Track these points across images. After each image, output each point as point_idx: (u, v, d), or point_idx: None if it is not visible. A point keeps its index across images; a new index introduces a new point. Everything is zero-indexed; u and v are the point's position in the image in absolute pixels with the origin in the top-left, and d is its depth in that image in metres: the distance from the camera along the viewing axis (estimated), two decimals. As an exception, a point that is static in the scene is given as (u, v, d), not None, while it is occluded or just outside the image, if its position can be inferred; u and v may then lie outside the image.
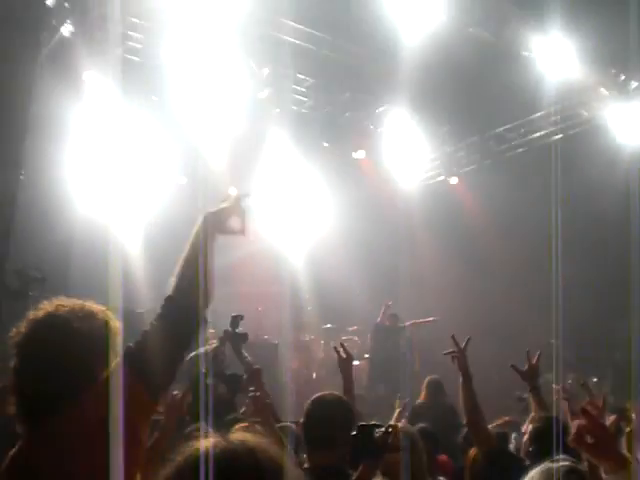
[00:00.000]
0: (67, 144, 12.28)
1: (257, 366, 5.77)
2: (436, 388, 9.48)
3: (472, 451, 5.25)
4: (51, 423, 2.29)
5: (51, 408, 2.29)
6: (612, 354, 14.54)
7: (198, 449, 1.55)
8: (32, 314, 2.51)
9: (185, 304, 2.46)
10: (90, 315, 2.50)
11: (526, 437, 4.90)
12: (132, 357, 2.36)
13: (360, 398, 7.95)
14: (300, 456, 4.19)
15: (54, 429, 2.28)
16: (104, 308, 2.56)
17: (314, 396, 4.10)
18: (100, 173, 13.08)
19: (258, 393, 4.75)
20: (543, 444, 4.32)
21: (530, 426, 4.93)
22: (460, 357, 5.11)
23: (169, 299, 2.50)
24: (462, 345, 5.18)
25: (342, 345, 5.30)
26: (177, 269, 2.57)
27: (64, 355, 2.37)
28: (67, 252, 12.32)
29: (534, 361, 5.38)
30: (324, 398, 4.08)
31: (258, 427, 4.91)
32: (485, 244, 16.05)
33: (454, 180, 18.13)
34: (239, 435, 1.59)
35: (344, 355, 5.24)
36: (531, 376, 5.40)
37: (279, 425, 5.18)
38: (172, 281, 2.56)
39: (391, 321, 14.85)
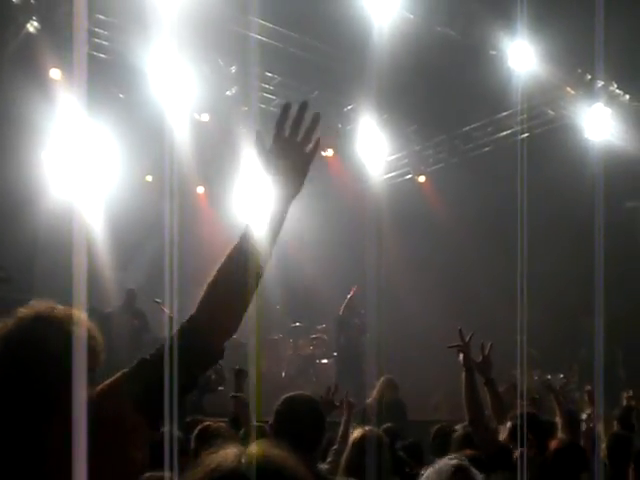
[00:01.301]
0: (32, 141, 12.15)
1: (239, 367, 5.75)
2: (390, 386, 9.55)
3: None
4: None
5: None
6: (578, 350, 14.70)
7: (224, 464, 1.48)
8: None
9: (208, 330, 2.23)
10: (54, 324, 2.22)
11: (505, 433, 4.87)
12: (132, 386, 2.15)
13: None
14: None
15: None
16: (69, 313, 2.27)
17: (284, 396, 4.09)
18: (66, 170, 12.95)
19: (240, 394, 4.76)
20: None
21: (509, 423, 4.89)
22: (465, 351, 5.05)
23: (191, 321, 2.26)
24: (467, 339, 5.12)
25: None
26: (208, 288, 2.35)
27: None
28: (32, 251, 12.20)
29: (486, 352, 5.30)
30: (294, 398, 4.07)
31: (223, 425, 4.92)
32: (452, 242, 16.14)
33: (422, 178, 18.22)
34: (262, 449, 1.53)
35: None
36: (484, 368, 5.30)
37: (255, 425, 5.19)
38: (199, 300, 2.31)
39: (347, 312, 14.72)
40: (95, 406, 2.09)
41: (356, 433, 4.85)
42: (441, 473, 3.03)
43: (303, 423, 3.85)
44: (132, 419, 2.16)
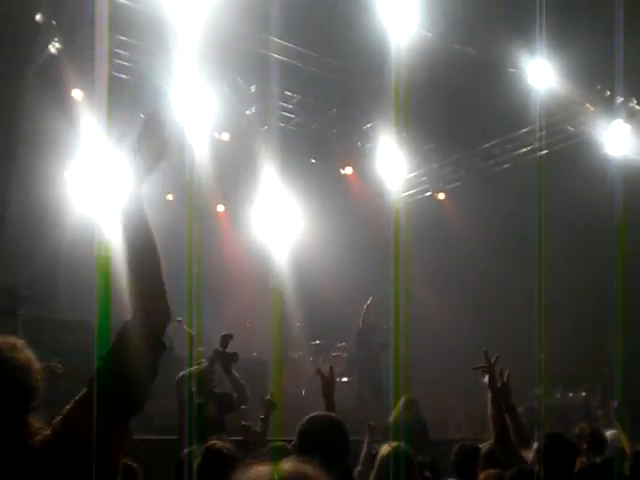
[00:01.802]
0: (55, 160, 12.27)
1: (269, 397, 5.73)
2: (411, 405, 9.49)
3: (483, 475, 5.13)
4: None
5: None
6: (601, 369, 14.56)
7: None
8: None
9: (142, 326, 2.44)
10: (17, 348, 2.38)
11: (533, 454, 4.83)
12: (103, 385, 2.30)
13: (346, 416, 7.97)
14: None
15: None
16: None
17: (308, 416, 4.08)
18: (88, 189, 13.06)
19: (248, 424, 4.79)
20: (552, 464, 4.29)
21: (536, 443, 4.86)
22: (491, 372, 5.04)
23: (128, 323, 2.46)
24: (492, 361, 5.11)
25: (330, 368, 5.25)
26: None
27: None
28: (54, 268, 12.29)
29: (505, 379, 5.27)
30: (318, 418, 4.06)
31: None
32: (473, 259, 16.09)
33: (441, 196, 18.21)
34: (293, 465, 1.55)
35: (327, 376, 5.18)
36: (504, 394, 5.27)
37: (276, 445, 5.18)
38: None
39: (368, 328, 14.66)
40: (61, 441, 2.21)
41: (384, 449, 4.81)
42: None
43: (327, 443, 3.83)
44: (116, 428, 2.27)
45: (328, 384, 5.14)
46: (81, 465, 2.18)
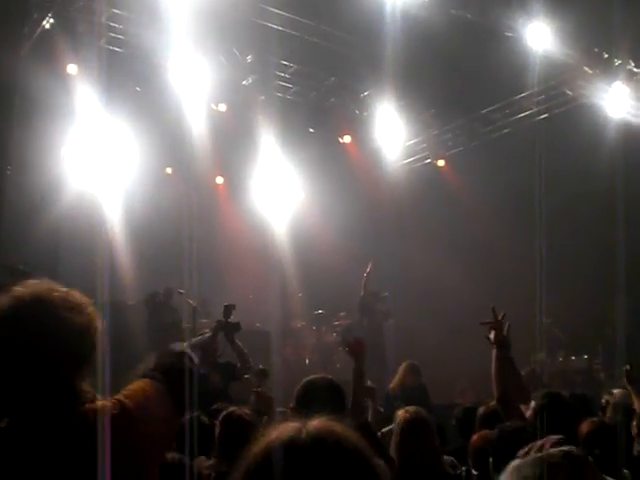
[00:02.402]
0: (52, 136, 12.24)
1: (262, 367, 5.76)
2: (412, 371, 9.55)
3: (476, 436, 5.14)
4: None
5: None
6: (602, 331, 14.63)
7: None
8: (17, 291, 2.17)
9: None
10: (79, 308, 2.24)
11: (530, 412, 4.83)
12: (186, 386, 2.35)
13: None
14: None
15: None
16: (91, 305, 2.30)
17: (304, 380, 4.12)
18: (85, 165, 13.05)
19: (260, 389, 4.81)
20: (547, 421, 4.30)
21: (533, 402, 4.85)
22: (497, 327, 5.03)
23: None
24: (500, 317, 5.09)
25: (358, 345, 5.20)
26: None
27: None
28: (55, 245, 12.31)
29: (505, 332, 5.23)
30: (313, 381, 4.09)
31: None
32: (474, 225, 16.08)
33: (441, 162, 18.17)
34: (321, 422, 1.54)
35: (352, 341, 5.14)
36: (504, 346, 5.24)
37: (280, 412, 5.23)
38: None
39: (369, 296, 14.69)
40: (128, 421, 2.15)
41: (401, 414, 4.80)
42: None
43: (324, 404, 3.86)
44: (171, 416, 2.26)
45: (355, 346, 5.08)
46: (135, 451, 2.16)
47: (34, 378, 2.08)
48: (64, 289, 2.24)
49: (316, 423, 1.52)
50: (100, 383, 2.24)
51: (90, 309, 2.25)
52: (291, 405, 4.11)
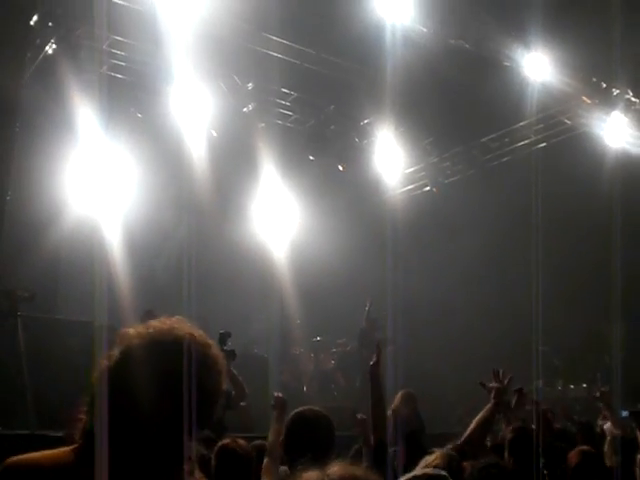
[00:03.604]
0: (53, 161, 12.29)
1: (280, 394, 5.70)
2: (408, 399, 9.49)
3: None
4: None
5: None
6: (601, 358, 14.61)
7: None
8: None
9: None
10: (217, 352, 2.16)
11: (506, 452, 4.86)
12: None
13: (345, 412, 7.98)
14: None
15: None
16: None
17: (293, 412, 4.10)
18: (86, 189, 13.08)
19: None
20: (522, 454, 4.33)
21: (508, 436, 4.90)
22: (501, 390, 5.03)
23: None
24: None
25: (378, 347, 5.22)
26: None
27: None
28: (55, 269, 12.31)
29: (505, 382, 5.27)
30: (302, 413, 4.07)
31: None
32: (471, 253, 16.10)
33: (439, 190, 18.22)
34: (341, 470, 1.53)
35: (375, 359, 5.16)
36: (506, 408, 5.31)
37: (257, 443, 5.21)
38: None
39: (369, 326, 14.73)
40: None
41: (434, 458, 4.77)
42: None
43: (313, 437, 3.86)
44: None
45: (374, 366, 5.12)
46: None
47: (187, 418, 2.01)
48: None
49: (337, 470, 1.51)
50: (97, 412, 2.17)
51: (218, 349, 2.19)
52: (281, 439, 4.09)
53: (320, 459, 3.75)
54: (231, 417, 8.15)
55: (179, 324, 2.11)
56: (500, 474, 3.76)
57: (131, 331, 2.06)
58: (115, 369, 1.99)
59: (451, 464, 3.92)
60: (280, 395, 5.61)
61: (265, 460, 4.89)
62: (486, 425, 4.90)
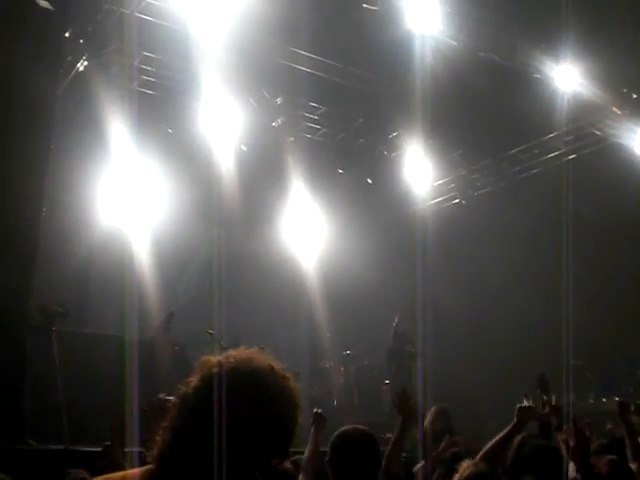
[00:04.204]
0: (85, 175, 12.43)
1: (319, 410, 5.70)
2: (441, 415, 9.41)
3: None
4: None
5: None
6: (634, 372, 14.46)
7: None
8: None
9: None
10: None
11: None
12: None
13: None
14: None
15: None
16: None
17: (338, 430, 4.08)
18: (117, 203, 13.20)
19: None
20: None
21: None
22: (523, 410, 5.00)
23: None
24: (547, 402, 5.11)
25: (403, 391, 5.25)
26: None
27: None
28: (85, 283, 12.42)
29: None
30: (348, 432, 4.06)
31: None
32: (500, 266, 16.02)
33: (469, 202, 18.16)
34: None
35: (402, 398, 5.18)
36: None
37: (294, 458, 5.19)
38: None
39: (397, 340, 14.68)
40: None
41: (465, 469, 4.75)
42: None
43: (360, 457, 3.86)
44: None
45: (402, 403, 5.13)
46: None
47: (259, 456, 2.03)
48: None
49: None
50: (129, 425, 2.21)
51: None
52: (327, 457, 4.06)
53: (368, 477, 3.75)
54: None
55: (258, 354, 2.13)
56: None
57: (212, 359, 2.07)
58: (195, 396, 2.01)
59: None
60: (319, 411, 5.60)
61: (300, 476, 4.90)
62: (504, 443, 4.84)
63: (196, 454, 1.95)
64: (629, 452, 5.64)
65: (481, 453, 4.76)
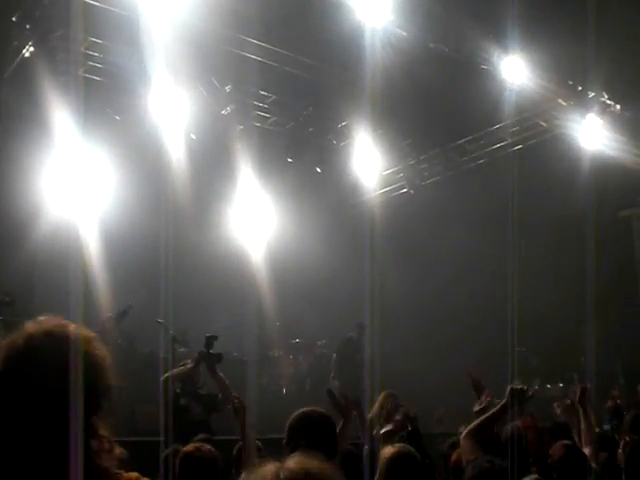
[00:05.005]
0: (31, 164, 12.23)
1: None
2: (389, 400, 9.50)
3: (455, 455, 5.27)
4: None
5: None
6: (577, 359, 14.74)
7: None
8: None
9: None
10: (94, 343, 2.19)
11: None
12: None
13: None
14: None
15: None
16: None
17: (296, 412, 4.09)
18: (63, 192, 13.02)
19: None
20: None
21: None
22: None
23: None
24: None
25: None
26: None
27: None
28: (31, 273, 12.25)
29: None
30: (306, 413, 4.07)
31: None
32: (449, 253, 16.19)
33: (417, 192, 18.31)
34: (300, 461, 1.51)
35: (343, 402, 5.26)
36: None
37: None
38: None
39: (358, 332, 14.75)
40: None
41: (387, 451, 4.78)
42: None
43: (317, 437, 3.86)
44: None
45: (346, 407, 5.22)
46: None
47: (48, 416, 2.01)
48: (75, 324, 2.18)
49: (292, 465, 1.48)
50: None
51: (101, 345, 2.18)
52: (284, 439, 4.07)
53: (326, 458, 3.77)
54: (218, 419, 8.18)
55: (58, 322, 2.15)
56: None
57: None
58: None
59: None
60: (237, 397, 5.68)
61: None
62: (490, 421, 4.88)
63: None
64: (584, 437, 5.77)
65: (467, 429, 4.81)
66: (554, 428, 6.14)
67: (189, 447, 4.80)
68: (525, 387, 5.03)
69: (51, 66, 12.51)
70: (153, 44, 12.15)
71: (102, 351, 2.15)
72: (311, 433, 3.89)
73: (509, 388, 4.94)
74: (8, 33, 10.73)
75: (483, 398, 5.32)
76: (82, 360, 2.07)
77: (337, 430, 4.29)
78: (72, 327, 2.14)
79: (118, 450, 2.12)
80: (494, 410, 4.87)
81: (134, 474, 2.16)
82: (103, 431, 2.11)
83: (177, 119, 14.01)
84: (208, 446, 4.86)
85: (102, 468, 2.04)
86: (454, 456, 5.29)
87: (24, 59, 12.38)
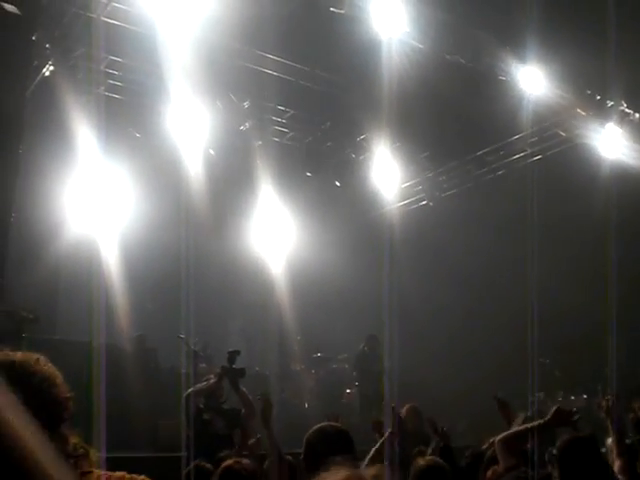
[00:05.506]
0: (53, 182, 12.34)
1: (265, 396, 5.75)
2: (414, 414, 9.45)
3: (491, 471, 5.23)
4: None
5: None
6: (602, 370, 14.61)
7: None
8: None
9: None
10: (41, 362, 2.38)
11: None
12: None
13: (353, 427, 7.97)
14: None
15: None
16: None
17: (314, 427, 4.10)
18: (85, 209, 13.12)
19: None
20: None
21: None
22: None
23: None
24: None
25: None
26: None
27: None
28: (54, 289, 12.33)
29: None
30: (324, 428, 4.08)
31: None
32: (469, 266, 16.14)
33: (436, 204, 18.29)
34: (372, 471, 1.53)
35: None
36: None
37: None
38: None
39: (369, 345, 14.69)
40: None
41: (420, 462, 4.79)
42: None
43: (335, 452, 3.87)
44: None
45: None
46: None
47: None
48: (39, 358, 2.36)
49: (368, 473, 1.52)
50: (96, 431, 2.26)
51: (49, 364, 2.36)
52: (301, 454, 4.07)
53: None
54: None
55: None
56: None
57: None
58: None
59: None
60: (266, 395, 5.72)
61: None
62: (524, 435, 4.82)
63: None
64: (614, 449, 5.68)
65: (501, 435, 4.78)
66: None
67: (229, 461, 4.83)
68: (574, 409, 4.98)
69: (72, 84, 12.64)
70: (171, 61, 12.25)
71: (51, 368, 2.34)
72: (329, 448, 3.90)
73: (555, 408, 4.86)
74: (28, 52, 10.85)
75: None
76: (34, 379, 2.22)
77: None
78: (18, 355, 2.34)
79: (94, 454, 2.22)
80: (531, 424, 4.83)
81: (120, 473, 2.22)
82: (74, 439, 2.22)
83: (196, 135, 14.09)
84: (247, 460, 4.89)
85: (81, 472, 2.15)
86: (489, 473, 5.23)
87: (44, 78, 12.52)
